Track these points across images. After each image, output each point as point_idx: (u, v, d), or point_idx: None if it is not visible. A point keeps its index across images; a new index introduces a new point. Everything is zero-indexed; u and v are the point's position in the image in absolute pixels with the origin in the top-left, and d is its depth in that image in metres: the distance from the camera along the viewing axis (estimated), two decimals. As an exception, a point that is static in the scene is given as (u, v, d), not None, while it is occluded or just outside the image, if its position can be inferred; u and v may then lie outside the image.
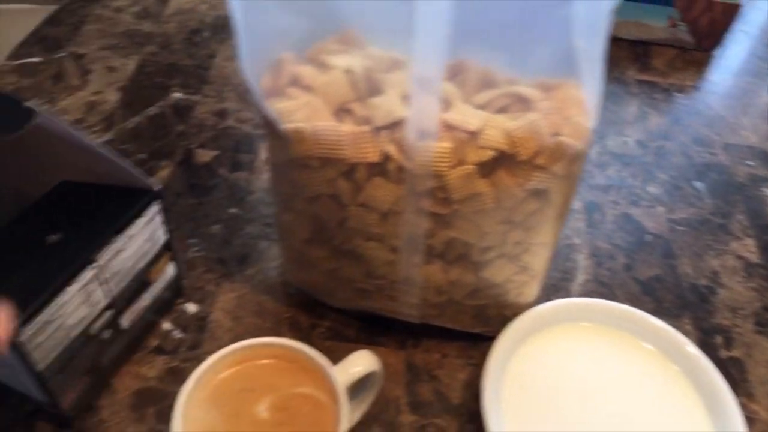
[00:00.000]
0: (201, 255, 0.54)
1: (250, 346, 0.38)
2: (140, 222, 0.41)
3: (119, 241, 0.40)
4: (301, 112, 0.36)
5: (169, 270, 0.47)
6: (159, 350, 0.48)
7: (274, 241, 0.55)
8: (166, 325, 0.50)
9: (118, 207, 0.40)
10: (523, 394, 0.44)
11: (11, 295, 0.32)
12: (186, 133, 0.62)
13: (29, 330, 0.35)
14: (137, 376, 0.47)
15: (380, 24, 0.38)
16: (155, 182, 0.42)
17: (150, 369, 0.47)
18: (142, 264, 0.43)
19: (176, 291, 0.50)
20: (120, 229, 0.39)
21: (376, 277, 0.43)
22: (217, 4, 0.75)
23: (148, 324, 0.48)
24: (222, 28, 0.72)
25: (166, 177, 0.59)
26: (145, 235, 0.42)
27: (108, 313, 0.41)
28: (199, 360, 0.48)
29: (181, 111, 0.64)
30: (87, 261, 0.37)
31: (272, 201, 0.57)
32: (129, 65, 0.68)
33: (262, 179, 0.59)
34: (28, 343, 0.35)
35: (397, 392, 0.47)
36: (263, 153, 0.61)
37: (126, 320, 0.44)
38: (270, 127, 0.38)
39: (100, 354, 0.43)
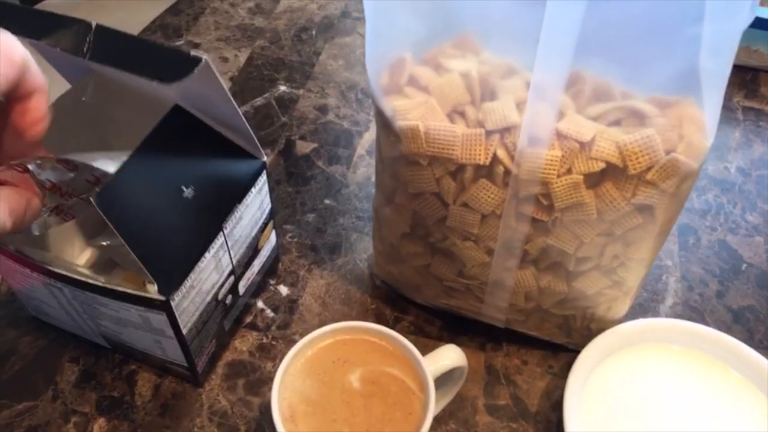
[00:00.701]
0: (295, 241, 0.57)
1: (349, 327, 0.40)
2: (254, 191, 0.44)
3: (240, 209, 0.43)
4: (416, 111, 0.38)
5: (272, 238, 0.51)
6: (252, 326, 0.51)
7: (365, 233, 0.57)
8: (260, 304, 0.53)
9: (237, 173, 0.43)
10: (603, 410, 0.44)
11: (161, 258, 0.35)
12: (288, 125, 0.66)
13: (178, 295, 0.37)
14: (231, 348, 0.50)
15: (497, 30, 0.39)
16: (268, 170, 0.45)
17: (242, 343, 0.50)
18: (254, 231, 0.46)
19: (278, 255, 0.54)
20: (240, 197, 0.42)
21: (467, 277, 0.44)
22: (326, 4, 0.78)
23: (257, 288, 0.52)
24: (328, 27, 0.75)
25: (268, 164, 0.62)
26: (257, 203, 0.45)
27: (231, 279, 0.44)
28: (287, 339, 0.51)
29: (285, 104, 0.67)
30: (218, 228, 0.40)
31: (365, 195, 0.59)
32: (240, 57, 0.72)
33: (357, 174, 0.62)
34: (176, 308, 0.38)
35: (475, 392, 0.48)
36: (360, 149, 0.64)
37: (242, 286, 0.47)
38: (384, 123, 0.40)
39: (223, 318, 0.46)
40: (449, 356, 0.40)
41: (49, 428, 0.45)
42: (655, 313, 0.52)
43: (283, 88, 0.69)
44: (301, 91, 0.69)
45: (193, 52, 0.32)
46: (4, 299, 0.52)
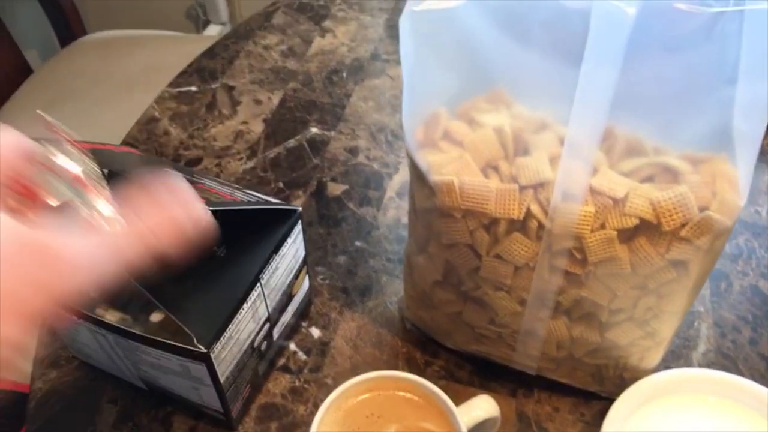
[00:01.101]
0: (327, 283, 0.58)
1: (383, 377, 0.40)
2: (289, 241, 0.45)
3: (276, 260, 0.44)
4: (451, 166, 0.39)
5: (306, 282, 0.52)
6: (285, 369, 0.52)
7: (395, 276, 0.58)
8: (292, 347, 0.53)
9: (271, 227, 0.44)
10: (637, 460, 0.43)
11: (200, 312, 0.36)
12: (320, 167, 0.67)
13: (217, 347, 0.39)
14: (264, 391, 0.50)
15: (529, 86, 0.40)
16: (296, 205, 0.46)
17: (275, 386, 0.51)
18: (289, 279, 0.47)
19: (310, 298, 0.54)
20: (277, 248, 0.44)
21: (499, 325, 0.45)
22: (356, 47, 0.80)
23: (291, 331, 0.53)
24: (359, 69, 0.77)
25: (300, 206, 0.63)
26: (292, 251, 0.46)
27: (266, 326, 0.46)
28: (319, 382, 0.51)
29: (317, 145, 0.69)
30: (256, 279, 0.41)
31: (395, 237, 0.60)
32: (273, 99, 0.74)
33: (387, 216, 0.63)
34: (216, 359, 0.39)
35: (507, 440, 0.48)
36: (390, 191, 0.65)
37: (276, 331, 0.48)
38: (418, 176, 0.41)
39: (258, 364, 0.47)
40: (483, 407, 0.40)
41: (88, 469, 0.46)
42: (688, 360, 0.52)
43: (314, 130, 0.71)
44: (332, 133, 0.70)
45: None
46: (46, 339, 0.54)
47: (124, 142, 0.70)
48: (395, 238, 0.61)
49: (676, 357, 0.52)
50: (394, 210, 0.63)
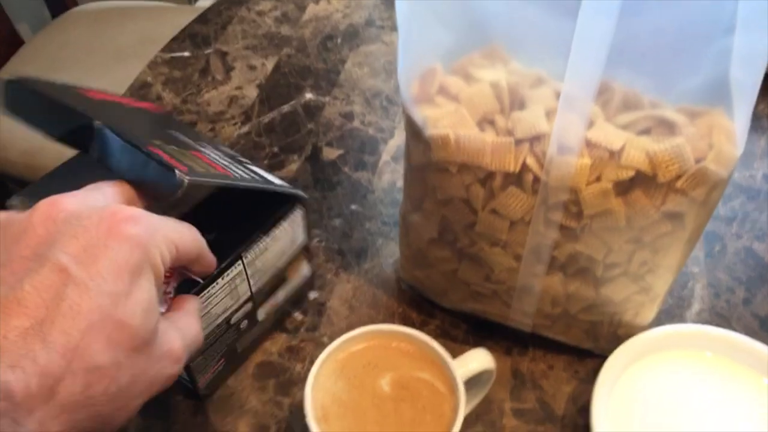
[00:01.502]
0: (323, 245, 0.58)
1: (378, 331, 0.41)
2: (284, 224, 0.45)
3: (266, 240, 0.43)
4: (446, 120, 0.39)
5: (304, 269, 0.51)
6: (282, 329, 0.52)
7: (391, 238, 0.58)
8: (289, 307, 0.54)
9: (266, 210, 0.44)
10: (631, 415, 0.44)
11: None
12: (314, 132, 0.67)
13: None
14: (261, 350, 0.51)
15: (525, 41, 0.40)
16: (300, 190, 0.45)
17: (273, 345, 0.51)
18: (281, 262, 0.47)
19: (310, 286, 0.54)
20: (267, 230, 0.43)
21: (494, 281, 0.45)
22: (350, 13, 0.79)
23: (282, 316, 0.52)
24: (353, 36, 0.76)
25: (295, 170, 0.63)
26: (288, 236, 0.46)
27: (248, 305, 0.45)
28: (316, 341, 0.51)
29: (312, 110, 0.69)
30: (238, 257, 0.41)
31: (390, 200, 0.60)
32: (267, 65, 0.73)
33: (382, 180, 0.63)
34: None
35: (502, 395, 0.49)
36: (385, 155, 0.65)
37: (262, 313, 0.48)
38: (414, 132, 0.41)
39: (235, 341, 0.47)
40: (478, 359, 0.41)
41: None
42: (681, 320, 0.53)
43: (309, 95, 0.70)
44: (327, 99, 0.70)
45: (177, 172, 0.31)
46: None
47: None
48: (390, 202, 0.61)
49: (670, 316, 0.53)
50: (389, 174, 0.63)
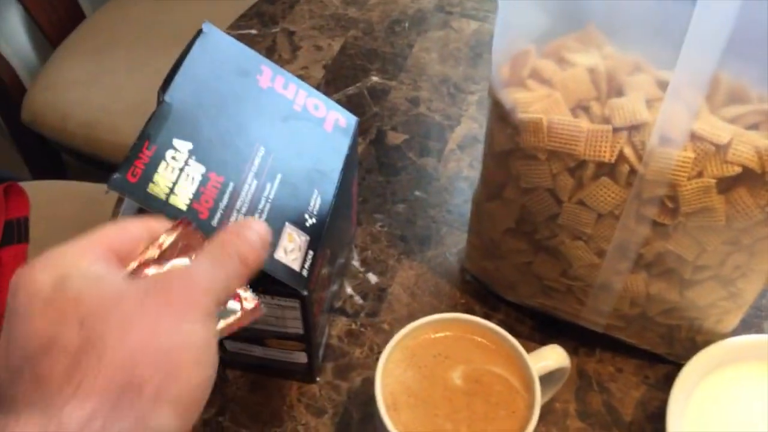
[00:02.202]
0: (385, 230, 0.57)
1: (452, 319, 0.39)
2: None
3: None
4: (538, 104, 0.37)
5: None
6: (342, 312, 0.51)
7: (456, 228, 0.57)
8: (349, 291, 0.53)
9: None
10: (707, 425, 0.42)
11: None
12: (380, 115, 0.66)
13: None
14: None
15: (624, 25, 0.38)
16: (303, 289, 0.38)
17: (332, 328, 0.50)
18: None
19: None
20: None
21: (571, 278, 0.43)
22: (419, -3, 0.78)
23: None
24: (422, 21, 0.75)
25: (360, 153, 0.62)
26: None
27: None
28: (375, 327, 0.50)
29: (377, 94, 0.67)
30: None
31: (456, 189, 0.58)
32: (334, 46, 0.72)
33: (448, 168, 0.61)
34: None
35: (566, 396, 0.47)
36: (451, 143, 0.63)
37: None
38: (500, 115, 0.39)
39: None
40: (554, 356, 0.39)
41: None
42: (759, 330, 0.50)
43: (375, 78, 0.69)
44: (393, 83, 0.68)
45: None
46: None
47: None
48: (456, 191, 0.59)
49: (747, 326, 0.50)
50: (455, 162, 0.62)
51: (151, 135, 0.36)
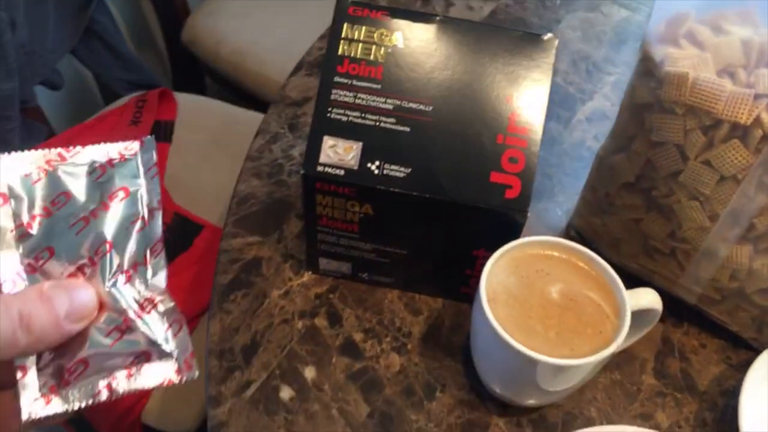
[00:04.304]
0: (502, 177, 0.60)
1: (558, 243, 0.43)
2: None
3: None
4: (687, 61, 0.40)
5: None
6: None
7: (569, 189, 0.60)
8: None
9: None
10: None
11: None
12: (516, 78, 0.69)
13: None
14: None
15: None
16: None
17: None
18: None
19: None
20: None
21: (678, 239, 0.46)
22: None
23: None
24: (572, 0, 0.77)
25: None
26: None
27: None
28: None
29: (518, 58, 0.71)
30: None
31: (577, 155, 0.61)
32: (485, 9, 0.77)
33: (573, 136, 0.64)
34: None
35: (646, 355, 0.50)
36: (580, 114, 0.66)
37: None
38: (647, 70, 0.42)
39: None
40: (649, 297, 0.42)
41: (270, 263, 0.53)
42: None
43: (518, 44, 0.73)
44: (534, 51, 0.72)
45: None
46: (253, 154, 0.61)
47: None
48: (576, 157, 0.62)
49: (844, 338, 0.50)
50: (580, 132, 0.65)
51: None
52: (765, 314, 0.46)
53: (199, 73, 1.33)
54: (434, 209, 0.44)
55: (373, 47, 0.44)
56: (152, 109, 1.03)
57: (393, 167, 0.43)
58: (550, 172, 0.61)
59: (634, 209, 0.48)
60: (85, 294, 0.26)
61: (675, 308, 0.51)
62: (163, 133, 1.02)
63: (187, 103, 1.05)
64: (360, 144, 0.43)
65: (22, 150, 0.28)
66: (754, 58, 0.39)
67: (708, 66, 0.39)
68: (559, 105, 0.67)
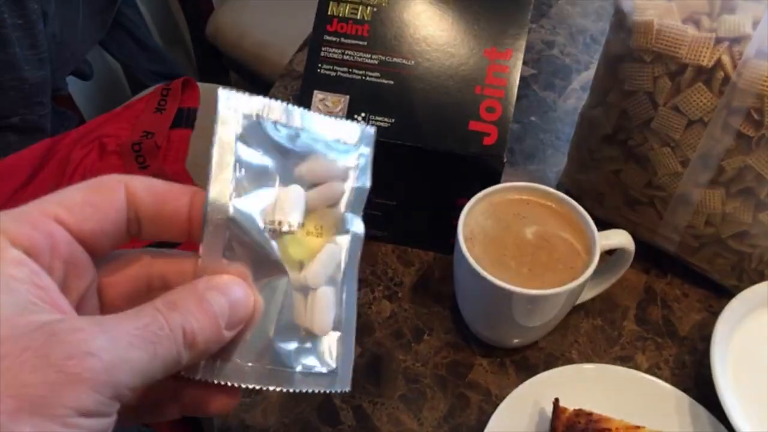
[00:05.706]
0: (497, 142, 0.63)
1: (534, 188, 0.46)
2: None
3: None
4: (653, 10, 0.42)
5: None
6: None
7: (561, 152, 0.62)
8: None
9: None
10: (753, 354, 0.45)
11: None
12: (515, 51, 0.72)
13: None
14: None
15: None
16: None
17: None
18: None
19: None
20: None
21: (655, 186, 0.48)
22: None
23: None
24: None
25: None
26: None
27: None
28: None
29: (517, 33, 0.74)
30: None
31: (569, 121, 0.63)
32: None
33: (567, 104, 0.66)
34: None
35: (628, 303, 0.51)
36: (576, 84, 0.68)
37: None
38: (619, 21, 0.44)
39: None
40: (619, 237, 0.44)
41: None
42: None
43: (518, 20, 0.75)
44: (533, 26, 0.74)
45: None
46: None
47: None
48: (569, 122, 0.64)
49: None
50: (574, 100, 0.67)
51: None
52: (743, 260, 0.48)
53: (224, 66, 1.39)
54: (417, 158, 0.46)
55: (360, 7, 0.47)
56: (176, 97, 1.08)
57: (378, 118, 0.46)
58: (544, 137, 0.63)
59: (613, 161, 0.50)
60: (239, 291, 0.24)
61: (659, 260, 0.53)
62: (185, 119, 1.07)
63: (209, 91, 1.10)
64: (347, 97, 0.46)
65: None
66: (717, 6, 0.41)
67: (673, 14, 0.42)
68: (555, 75, 0.69)
